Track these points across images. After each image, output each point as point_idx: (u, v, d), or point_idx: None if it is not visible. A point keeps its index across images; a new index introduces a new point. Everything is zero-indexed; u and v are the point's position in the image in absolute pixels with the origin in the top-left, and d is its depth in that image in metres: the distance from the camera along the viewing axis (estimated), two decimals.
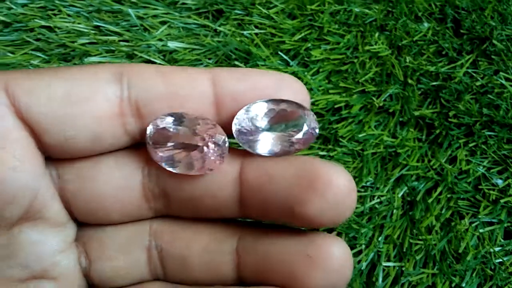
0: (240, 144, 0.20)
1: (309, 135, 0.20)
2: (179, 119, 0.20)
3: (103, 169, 0.21)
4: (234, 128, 0.20)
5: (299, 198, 0.19)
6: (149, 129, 0.20)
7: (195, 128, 0.20)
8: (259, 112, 0.20)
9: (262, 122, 0.20)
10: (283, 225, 0.23)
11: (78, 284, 0.22)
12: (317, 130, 0.20)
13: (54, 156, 0.21)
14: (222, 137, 0.20)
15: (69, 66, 0.20)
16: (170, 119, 0.20)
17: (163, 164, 0.20)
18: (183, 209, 0.22)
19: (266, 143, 0.20)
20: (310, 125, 0.20)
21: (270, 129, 0.20)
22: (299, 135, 0.20)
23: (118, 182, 0.22)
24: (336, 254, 0.20)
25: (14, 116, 0.19)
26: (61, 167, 0.21)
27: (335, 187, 0.18)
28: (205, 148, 0.20)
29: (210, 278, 0.22)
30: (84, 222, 0.22)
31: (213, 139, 0.20)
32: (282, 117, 0.20)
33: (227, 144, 0.20)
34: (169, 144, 0.20)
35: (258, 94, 0.20)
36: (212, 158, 0.20)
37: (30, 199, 0.20)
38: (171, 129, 0.20)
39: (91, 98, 0.20)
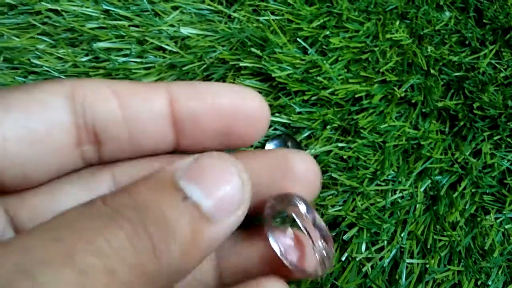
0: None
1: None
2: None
3: (61, 198, 0.20)
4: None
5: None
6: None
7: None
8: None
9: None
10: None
11: None
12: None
13: (7, 190, 0.19)
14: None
15: (15, 89, 0.18)
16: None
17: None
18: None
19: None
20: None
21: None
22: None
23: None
24: None
25: None
26: (12, 201, 0.19)
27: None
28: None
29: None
30: None
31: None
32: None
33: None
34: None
35: (217, 114, 0.20)
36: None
37: None
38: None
39: (49, 133, 0.18)
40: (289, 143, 0.30)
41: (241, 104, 0.20)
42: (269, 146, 0.30)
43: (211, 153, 0.18)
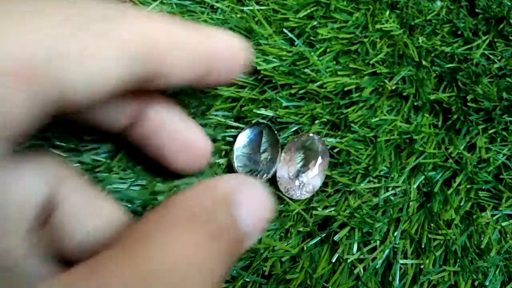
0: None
1: None
2: None
3: None
4: None
5: None
6: None
7: None
8: None
9: None
10: None
11: None
12: None
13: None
14: None
15: None
16: None
17: None
18: None
19: None
20: None
21: None
22: None
23: None
24: None
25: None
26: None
27: None
28: None
29: None
30: None
31: None
32: None
33: None
34: None
35: None
36: None
37: None
38: None
39: None
40: (264, 131, 0.28)
41: None
42: (244, 132, 0.28)
43: None
